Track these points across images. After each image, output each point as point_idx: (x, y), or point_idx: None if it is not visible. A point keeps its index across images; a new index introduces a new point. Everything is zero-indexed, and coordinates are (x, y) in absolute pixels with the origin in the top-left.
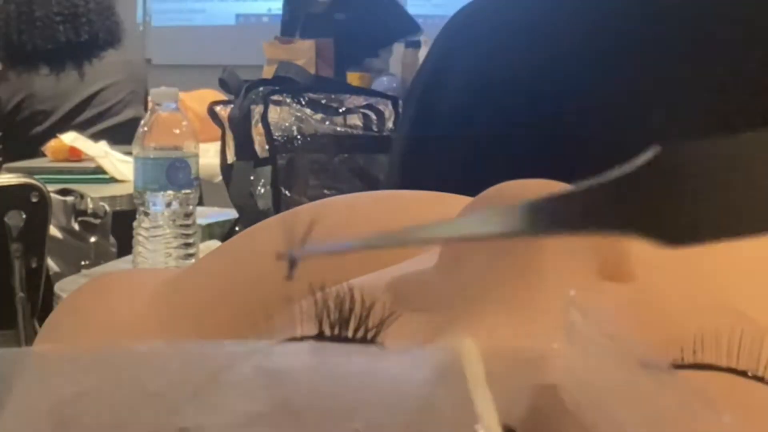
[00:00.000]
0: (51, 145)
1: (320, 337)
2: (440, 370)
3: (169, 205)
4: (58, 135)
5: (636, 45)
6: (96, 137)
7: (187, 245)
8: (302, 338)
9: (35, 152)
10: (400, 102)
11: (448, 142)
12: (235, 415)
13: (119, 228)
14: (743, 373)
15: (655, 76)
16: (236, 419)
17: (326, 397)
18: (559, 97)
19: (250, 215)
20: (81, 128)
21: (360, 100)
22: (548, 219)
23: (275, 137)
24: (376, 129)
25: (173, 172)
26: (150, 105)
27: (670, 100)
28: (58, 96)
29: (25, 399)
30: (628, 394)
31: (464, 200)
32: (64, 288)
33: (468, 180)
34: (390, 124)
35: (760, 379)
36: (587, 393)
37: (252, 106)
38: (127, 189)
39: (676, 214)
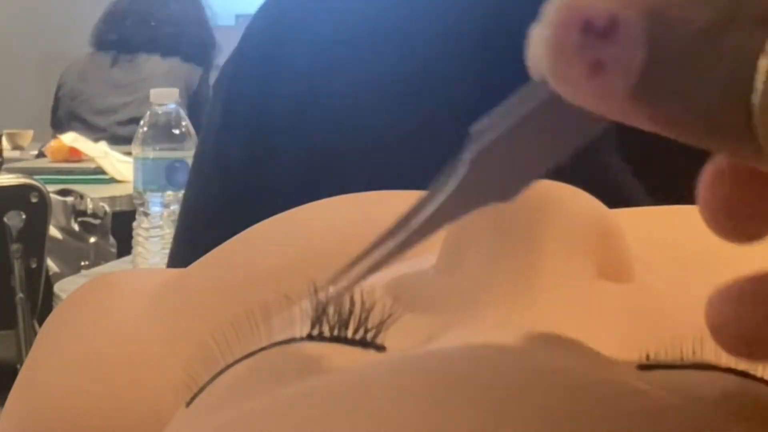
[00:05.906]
0: (51, 146)
1: (320, 338)
2: None
3: (168, 205)
4: (57, 135)
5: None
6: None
7: None
8: (301, 339)
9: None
10: None
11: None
12: None
13: (119, 228)
14: (743, 373)
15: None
16: None
17: None
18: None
19: None
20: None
21: None
22: None
23: None
24: None
25: (172, 172)
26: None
27: None
28: (104, 86)
29: None
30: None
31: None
32: (63, 288)
33: None
34: None
35: (759, 379)
36: None
37: None
38: (127, 189)
39: None
